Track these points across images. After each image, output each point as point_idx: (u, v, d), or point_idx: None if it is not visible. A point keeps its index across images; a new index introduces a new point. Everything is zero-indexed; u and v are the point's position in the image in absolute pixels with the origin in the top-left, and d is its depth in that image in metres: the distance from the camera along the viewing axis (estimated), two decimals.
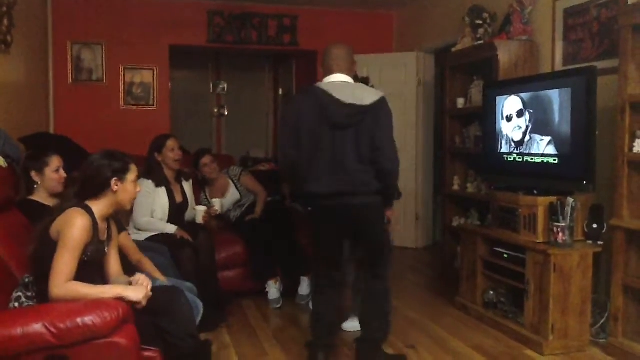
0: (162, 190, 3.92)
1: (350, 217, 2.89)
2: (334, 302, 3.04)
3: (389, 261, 3.13)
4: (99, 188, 2.40)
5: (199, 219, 4.01)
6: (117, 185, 2.41)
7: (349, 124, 2.79)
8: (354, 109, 2.78)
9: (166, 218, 3.90)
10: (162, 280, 2.95)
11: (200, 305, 2.90)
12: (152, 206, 3.84)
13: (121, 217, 3.00)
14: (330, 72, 2.93)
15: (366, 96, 2.83)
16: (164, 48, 6.21)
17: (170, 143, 4.00)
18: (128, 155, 2.52)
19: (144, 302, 2.29)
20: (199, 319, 2.82)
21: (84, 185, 2.41)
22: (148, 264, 3.06)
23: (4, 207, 2.75)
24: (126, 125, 5.93)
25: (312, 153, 2.81)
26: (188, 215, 4.09)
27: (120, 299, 2.21)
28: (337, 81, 2.89)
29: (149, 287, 2.36)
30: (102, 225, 2.43)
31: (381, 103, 2.83)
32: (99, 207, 2.40)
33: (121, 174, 2.42)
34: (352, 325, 3.55)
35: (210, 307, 3.05)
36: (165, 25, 6.11)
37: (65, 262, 2.22)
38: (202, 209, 4.06)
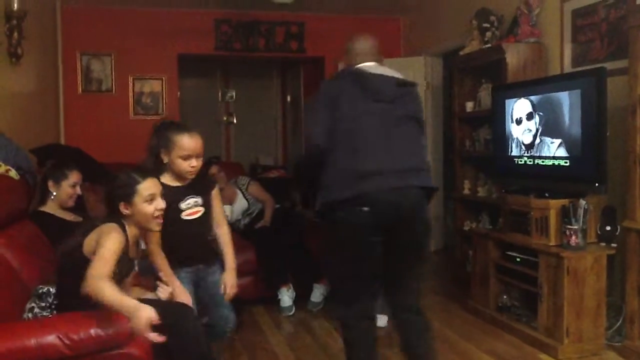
0: None
1: None
2: None
3: None
4: (115, 212, 2.34)
5: None
6: (127, 209, 2.33)
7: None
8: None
9: None
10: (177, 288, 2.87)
11: (233, 320, 2.82)
12: None
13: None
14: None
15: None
16: (172, 57, 6.25)
17: None
18: (140, 172, 2.39)
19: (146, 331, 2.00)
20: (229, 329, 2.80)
21: (107, 207, 2.37)
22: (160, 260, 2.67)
23: (17, 218, 2.77)
24: (136, 135, 5.87)
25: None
26: None
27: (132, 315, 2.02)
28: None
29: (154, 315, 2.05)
30: (132, 245, 2.38)
31: None
32: (128, 225, 2.34)
33: (128, 197, 2.32)
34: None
35: None
36: (173, 35, 6.15)
37: (103, 264, 2.10)
38: None
